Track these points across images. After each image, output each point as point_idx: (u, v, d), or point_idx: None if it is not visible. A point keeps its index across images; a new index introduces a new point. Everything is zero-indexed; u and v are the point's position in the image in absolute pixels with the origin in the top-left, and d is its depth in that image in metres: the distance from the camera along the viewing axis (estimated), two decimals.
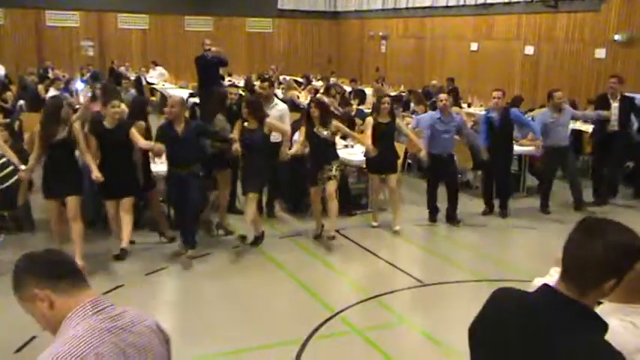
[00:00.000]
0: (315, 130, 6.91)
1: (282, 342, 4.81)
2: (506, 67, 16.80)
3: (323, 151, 6.94)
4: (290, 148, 7.36)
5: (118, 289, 5.73)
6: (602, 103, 8.53)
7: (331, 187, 6.95)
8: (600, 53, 14.14)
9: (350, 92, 14.44)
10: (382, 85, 15.73)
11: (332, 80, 17.12)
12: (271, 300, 5.69)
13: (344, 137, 8.30)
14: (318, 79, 18.60)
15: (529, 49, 16.05)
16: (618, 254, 1.64)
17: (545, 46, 15.66)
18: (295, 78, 18.30)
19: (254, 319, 5.27)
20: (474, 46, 17.88)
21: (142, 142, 6.35)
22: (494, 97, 7.96)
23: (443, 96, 7.95)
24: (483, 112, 8.75)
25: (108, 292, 5.54)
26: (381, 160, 7.43)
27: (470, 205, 8.66)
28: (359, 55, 23.73)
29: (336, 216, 7.07)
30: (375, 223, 7.72)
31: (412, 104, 12.18)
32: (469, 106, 14.11)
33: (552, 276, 2.25)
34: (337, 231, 7.45)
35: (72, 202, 6.02)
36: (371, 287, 5.99)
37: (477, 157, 8.96)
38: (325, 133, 6.88)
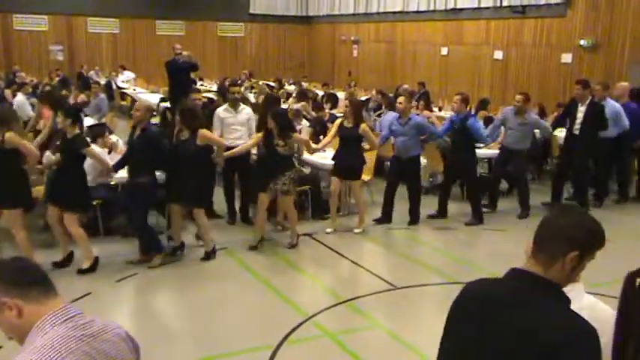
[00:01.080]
0: (273, 142, 6.77)
1: (254, 347, 4.79)
2: (476, 71, 17.03)
3: (277, 162, 6.79)
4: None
5: (87, 297, 5.64)
6: (571, 107, 8.65)
7: (288, 201, 6.95)
8: (567, 58, 14.43)
9: (322, 96, 14.47)
10: (354, 88, 15.81)
11: (304, 85, 17.16)
12: (243, 305, 5.67)
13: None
14: (291, 84, 18.63)
15: (498, 54, 16.31)
16: (587, 230, 1.89)
17: (513, 51, 15.92)
18: (267, 82, 18.30)
19: (225, 324, 5.25)
20: (444, 51, 18.09)
21: (97, 160, 6.25)
22: (454, 102, 8.06)
23: (401, 99, 7.97)
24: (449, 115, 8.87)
25: (76, 299, 5.45)
26: (343, 165, 7.44)
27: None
28: (331, 60, 23.83)
29: (295, 225, 7.11)
30: (328, 230, 7.59)
31: (383, 107, 12.25)
32: (440, 109, 14.27)
33: None
34: (309, 235, 7.48)
35: (5, 215, 5.95)
36: (343, 291, 6.00)
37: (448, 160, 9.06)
38: (281, 149, 6.75)
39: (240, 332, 5.08)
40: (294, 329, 5.08)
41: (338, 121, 7.72)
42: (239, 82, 14.73)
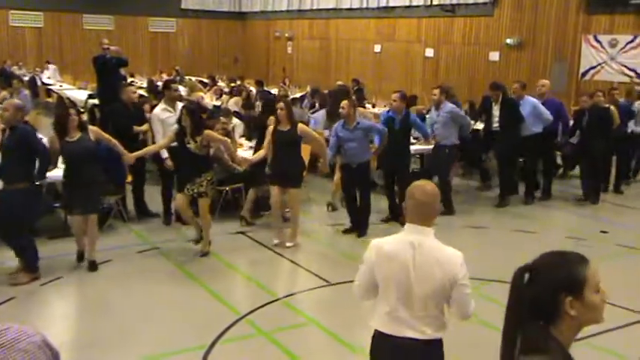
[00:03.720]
0: (184, 140, 6.44)
1: (187, 348, 4.70)
2: (409, 68, 17.34)
3: (192, 163, 6.47)
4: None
5: (11, 301, 5.41)
6: (485, 105, 8.99)
7: (204, 203, 6.52)
8: (494, 56, 14.88)
9: (256, 94, 14.38)
10: (288, 86, 15.77)
11: (237, 82, 16.98)
12: (175, 305, 5.55)
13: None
14: (224, 80, 18.41)
15: (429, 52, 16.65)
16: None
17: (444, 49, 16.28)
18: (200, 79, 18.02)
19: (156, 326, 5.12)
20: (377, 48, 18.32)
21: None
22: (393, 100, 8.09)
23: (344, 103, 7.37)
24: (384, 111, 8.90)
25: None
26: (281, 172, 6.88)
27: (378, 205, 8.76)
28: (265, 56, 23.73)
29: (209, 232, 6.75)
30: (276, 241, 7.10)
31: (317, 105, 12.28)
32: (373, 106, 14.39)
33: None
34: (243, 233, 7.41)
35: None
36: (278, 289, 5.98)
37: (381, 158, 9.12)
38: (193, 147, 6.40)
39: (172, 332, 4.98)
40: (227, 328, 5.02)
41: (271, 127, 7.03)
42: (177, 79, 14.45)
